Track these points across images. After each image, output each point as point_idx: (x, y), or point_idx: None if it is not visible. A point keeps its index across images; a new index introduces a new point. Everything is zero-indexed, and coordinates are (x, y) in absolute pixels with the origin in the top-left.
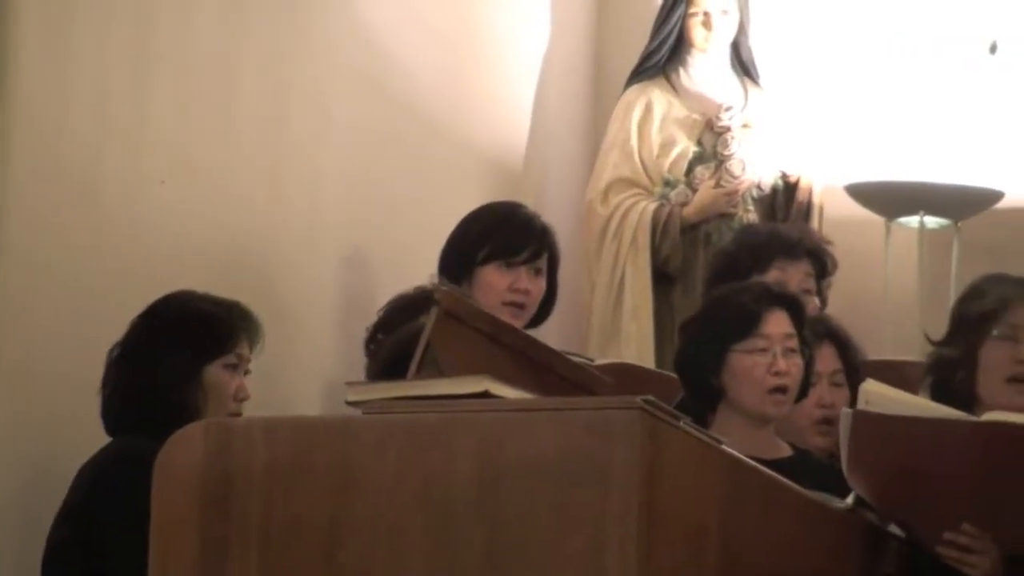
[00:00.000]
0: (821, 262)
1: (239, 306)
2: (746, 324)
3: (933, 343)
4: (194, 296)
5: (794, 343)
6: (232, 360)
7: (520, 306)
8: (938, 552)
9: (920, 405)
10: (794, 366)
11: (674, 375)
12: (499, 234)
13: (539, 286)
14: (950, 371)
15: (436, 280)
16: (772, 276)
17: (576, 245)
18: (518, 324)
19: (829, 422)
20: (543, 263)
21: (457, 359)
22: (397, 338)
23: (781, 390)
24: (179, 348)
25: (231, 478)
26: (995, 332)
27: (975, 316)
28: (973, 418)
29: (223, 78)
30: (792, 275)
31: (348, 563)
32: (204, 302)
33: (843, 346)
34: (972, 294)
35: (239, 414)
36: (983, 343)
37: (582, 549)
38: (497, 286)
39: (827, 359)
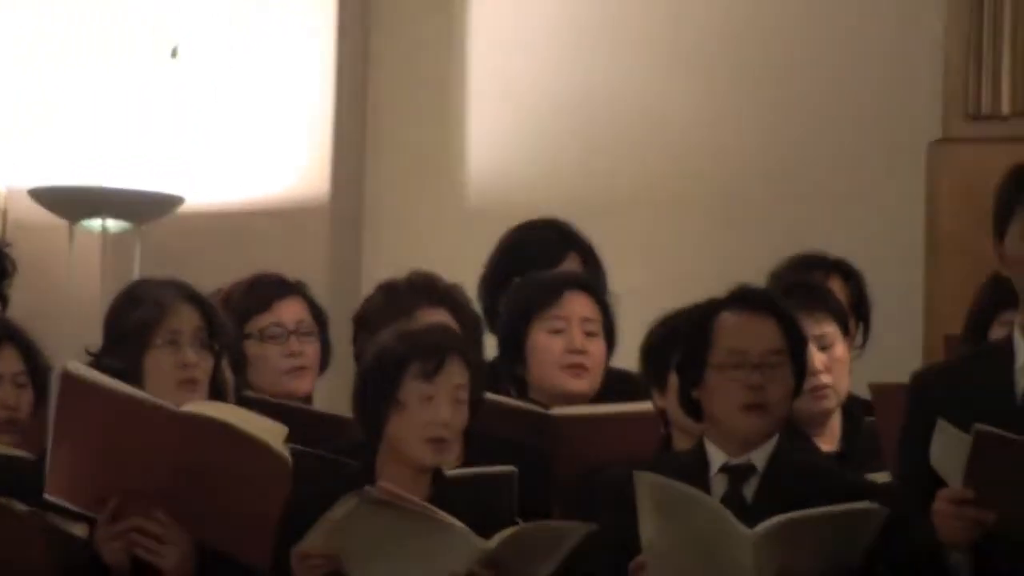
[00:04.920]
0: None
1: None
2: None
3: (91, 355)
4: None
5: None
6: None
7: None
8: (130, 541)
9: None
10: None
11: None
12: None
13: None
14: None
15: None
16: None
17: None
18: None
19: (13, 423)
20: None
21: None
22: None
23: None
24: None
25: None
26: (159, 340)
27: (136, 325)
28: (171, 407)
29: None
30: None
31: None
32: None
33: (26, 348)
34: (128, 302)
35: None
36: (148, 352)
37: None
38: None
39: (9, 361)
